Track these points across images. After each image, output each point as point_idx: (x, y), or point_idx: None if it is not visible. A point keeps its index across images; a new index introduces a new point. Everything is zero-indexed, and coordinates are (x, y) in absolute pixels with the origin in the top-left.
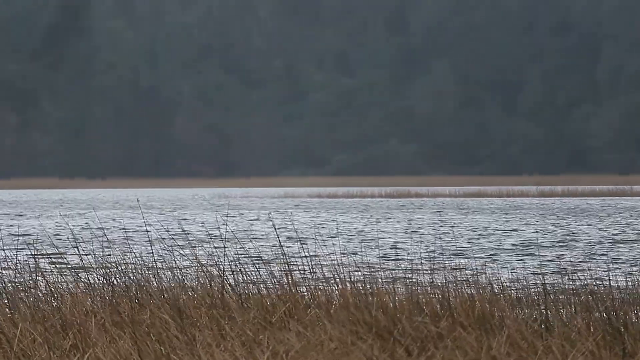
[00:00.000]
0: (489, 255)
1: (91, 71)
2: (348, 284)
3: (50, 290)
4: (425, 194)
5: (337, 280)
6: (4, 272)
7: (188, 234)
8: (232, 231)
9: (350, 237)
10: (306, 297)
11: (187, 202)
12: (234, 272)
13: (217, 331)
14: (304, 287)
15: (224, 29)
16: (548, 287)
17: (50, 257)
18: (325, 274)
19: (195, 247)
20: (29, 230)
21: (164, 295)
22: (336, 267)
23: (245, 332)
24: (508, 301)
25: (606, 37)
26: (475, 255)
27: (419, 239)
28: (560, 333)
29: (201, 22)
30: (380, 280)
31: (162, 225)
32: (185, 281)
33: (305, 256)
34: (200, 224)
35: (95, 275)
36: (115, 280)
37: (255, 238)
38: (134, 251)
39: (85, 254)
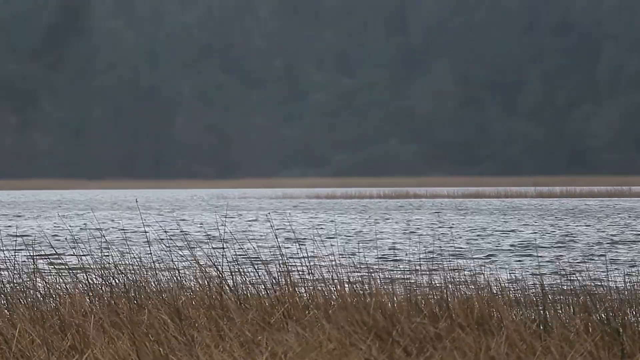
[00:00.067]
0: (488, 256)
1: (91, 71)
2: (346, 285)
3: (49, 291)
4: (424, 194)
5: (336, 281)
6: (2, 272)
7: (187, 234)
8: (230, 232)
9: (348, 237)
10: (305, 298)
11: (186, 202)
12: (233, 273)
13: (215, 332)
14: (302, 288)
15: (223, 29)
16: (546, 288)
17: (49, 258)
18: (324, 274)
19: (193, 247)
20: (27, 230)
21: (162, 296)
22: (335, 268)
23: (243, 332)
24: (506, 302)
25: (606, 37)
26: (474, 256)
27: (417, 239)
28: (559, 334)
29: (201, 22)
30: (378, 281)
31: (160, 226)
32: (184, 282)
33: (304, 257)
34: (199, 225)
35: (93, 276)
36: (113, 281)
37: (254, 239)
38: (133, 252)
39: (84, 255)
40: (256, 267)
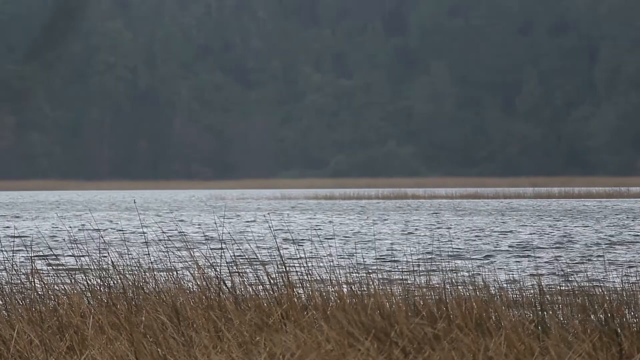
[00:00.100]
0: (486, 256)
1: (89, 72)
2: (345, 286)
3: (47, 291)
4: (422, 195)
5: (334, 281)
6: (0, 273)
7: (185, 235)
8: (228, 233)
9: (347, 238)
10: (303, 299)
11: (185, 203)
12: (231, 274)
13: (214, 333)
14: (300, 288)
15: (222, 30)
16: (545, 289)
17: (47, 259)
18: (322, 275)
19: (192, 248)
20: (25, 231)
21: (160, 297)
22: (333, 268)
23: (242, 333)
24: (505, 303)
25: (604, 38)
26: (472, 257)
27: (415, 240)
28: (557, 335)
29: (199, 23)
30: (376, 281)
31: (159, 227)
32: (182, 283)
33: (302, 258)
34: (198, 226)
35: (92, 277)
36: (112, 282)
37: (252, 239)
38: (131, 253)
39: (82, 256)
40: (254, 268)
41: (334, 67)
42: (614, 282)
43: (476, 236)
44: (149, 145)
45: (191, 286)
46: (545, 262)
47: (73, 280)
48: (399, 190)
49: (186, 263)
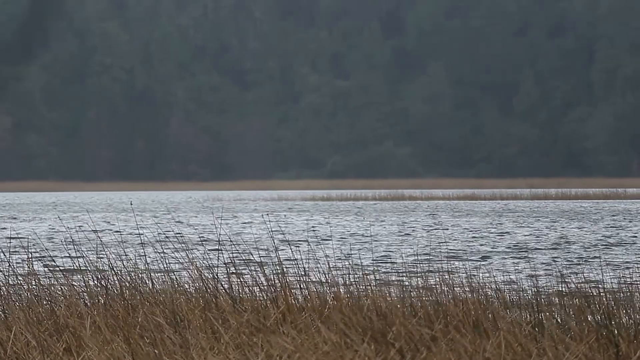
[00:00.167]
0: (483, 257)
1: (86, 72)
2: (342, 287)
3: (44, 293)
4: (419, 196)
5: (331, 283)
6: None
7: (182, 236)
8: (225, 234)
9: (343, 239)
10: (300, 300)
11: (181, 204)
12: (228, 275)
13: (210, 334)
14: (297, 290)
15: (218, 31)
16: (541, 290)
17: (44, 260)
18: (319, 276)
19: (189, 249)
20: (22, 233)
21: (157, 298)
22: (330, 269)
23: (239, 335)
24: (502, 304)
25: (601, 39)
26: (469, 258)
27: (412, 241)
28: (554, 336)
29: (196, 24)
30: (373, 283)
31: (156, 228)
32: (179, 284)
33: (299, 259)
34: (194, 227)
35: (89, 278)
36: (109, 283)
37: (249, 241)
38: (128, 254)
39: (79, 257)
40: (251, 269)
41: (331, 67)
42: (611, 283)
43: (473, 237)
44: (146, 146)
45: (188, 287)
46: (542, 263)
47: (70, 282)
48: (395, 191)
49: (183, 264)
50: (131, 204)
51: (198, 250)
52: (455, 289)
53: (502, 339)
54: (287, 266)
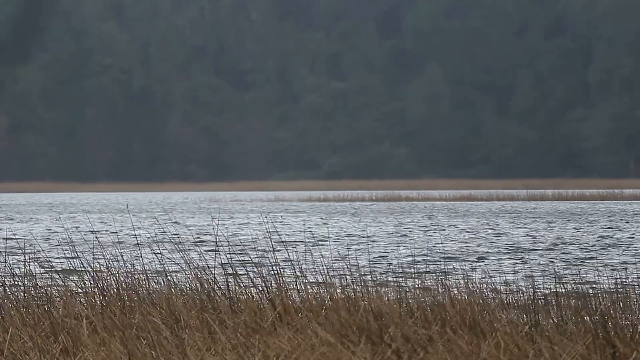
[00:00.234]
0: (480, 258)
1: (84, 73)
2: (338, 288)
3: (41, 293)
4: (416, 197)
5: (328, 283)
6: None
7: (179, 237)
8: (223, 235)
9: (340, 240)
10: (297, 301)
11: (179, 205)
12: (225, 276)
13: (207, 335)
14: (294, 290)
15: (216, 32)
16: (538, 291)
17: (41, 261)
18: (316, 277)
19: (186, 250)
20: (19, 234)
21: (154, 299)
22: (326, 270)
23: (235, 335)
24: (498, 304)
25: (599, 40)
26: (466, 259)
27: (409, 242)
28: (551, 336)
29: (194, 25)
30: (370, 284)
31: (152, 229)
32: (176, 285)
33: (296, 260)
34: (191, 228)
35: (85, 279)
36: (106, 284)
37: (246, 242)
38: (125, 255)
39: (76, 258)
40: (248, 270)
41: (329, 68)
42: (607, 284)
43: (470, 238)
44: (144, 146)
45: (185, 288)
46: (539, 264)
47: (67, 283)
48: (392, 192)
49: (180, 265)
50: (127, 207)
51: (195, 251)
52: (451, 289)
53: (499, 339)
54: (284, 267)
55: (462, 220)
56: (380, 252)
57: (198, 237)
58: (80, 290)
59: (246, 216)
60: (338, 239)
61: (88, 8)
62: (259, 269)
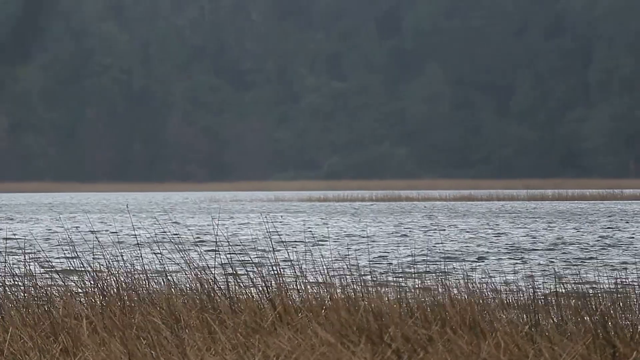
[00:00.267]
0: (480, 258)
1: (84, 73)
2: (338, 288)
3: (41, 294)
4: (416, 197)
5: (328, 283)
6: None
7: (179, 237)
8: (223, 235)
9: (340, 240)
10: (297, 301)
11: (179, 205)
12: (225, 276)
13: (207, 335)
14: (294, 291)
15: (216, 32)
16: (538, 291)
17: (41, 261)
18: (316, 277)
19: (186, 250)
20: (19, 234)
21: (154, 299)
22: (326, 270)
23: (235, 335)
24: (498, 304)
25: (599, 40)
26: (466, 259)
27: (409, 242)
28: (551, 336)
29: (194, 25)
30: (370, 284)
31: (152, 229)
32: (176, 285)
33: (296, 260)
34: (191, 228)
35: (86, 279)
36: (105, 284)
37: (246, 242)
38: (125, 255)
39: (76, 258)
40: (248, 270)
41: (329, 68)
42: (607, 284)
43: (470, 238)
44: (144, 146)
45: (185, 288)
46: (539, 264)
47: (67, 283)
48: (392, 192)
49: (180, 265)
50: (127, 207)
51: (195, 251)
52: (451, 289)
53: (499, 339)
54: (284, 267)
55: (462, 220)
56: (380, 252)
57: (198, 237)
58: (80, 290)
59: (246, 216)
60: (338, 239)
61: (88, 8)
62: (259, 269)
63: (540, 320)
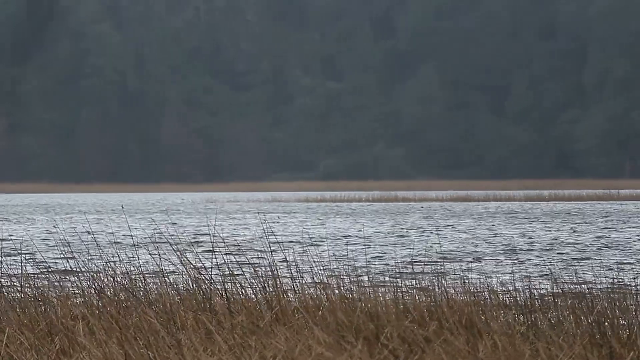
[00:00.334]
0: (476, 259)
1: (79, 74)
2: (335, 289)
3: (38, 294)
4: (412, 198)
5: (325, 284)
6: None
7: (175, 238)
8: (219, 235)
9: (337, 241)
10: (294, 302)
11: (175, 206)
12: (222, 277)
13: (204, 335)
14: (291, 291)
15: (211, 33)
16: (535, 291)
17: (37, 262)
18: (313, 278)
19: (182, 251)
20: (14, 235)
21: (151, 300)
22: (323, 271)
23: (232, 336)
24: (495, 305)
25: (593, 41)
26: (462, 259)
27: (405, 243)
28: (548, 337)
29: (188, 26)
30: (367, 284)
31: (149, 230)
32: (173, 285)
33: (293, 261)
34: (188, 229)
35: (82, 280)
36: (102, 285)
37: (243, 242)
38: (121, 255)
39: (73, 258)
40: (245, 270)
41: (324, 70)
42: (604, 284)
43: (466, 239)
44: (140, 148)
45: (182, 289)
46: (535, 264)
47: (64, 284)
48: (388, 193)
49: (177, 266)
50: (122, 208)
51: (191, 252)
52: (448, 290)
53: (495, 340)
54: (281, 268)
55: (459, 220)
56: (377, 252)
57: (195, 238)
58: (77, 291)
59: (242, 217)
60: (335, 239)
61: (84, 9)
62: (256, 269)
63: (537, 320)
